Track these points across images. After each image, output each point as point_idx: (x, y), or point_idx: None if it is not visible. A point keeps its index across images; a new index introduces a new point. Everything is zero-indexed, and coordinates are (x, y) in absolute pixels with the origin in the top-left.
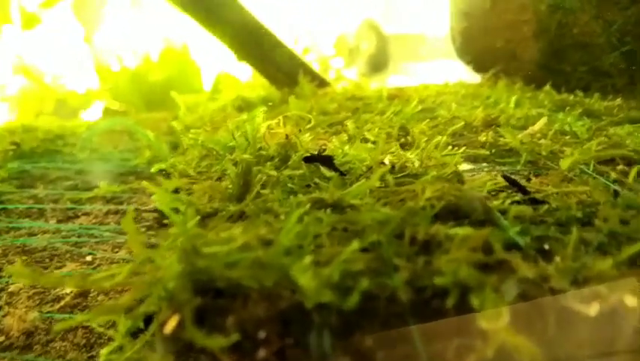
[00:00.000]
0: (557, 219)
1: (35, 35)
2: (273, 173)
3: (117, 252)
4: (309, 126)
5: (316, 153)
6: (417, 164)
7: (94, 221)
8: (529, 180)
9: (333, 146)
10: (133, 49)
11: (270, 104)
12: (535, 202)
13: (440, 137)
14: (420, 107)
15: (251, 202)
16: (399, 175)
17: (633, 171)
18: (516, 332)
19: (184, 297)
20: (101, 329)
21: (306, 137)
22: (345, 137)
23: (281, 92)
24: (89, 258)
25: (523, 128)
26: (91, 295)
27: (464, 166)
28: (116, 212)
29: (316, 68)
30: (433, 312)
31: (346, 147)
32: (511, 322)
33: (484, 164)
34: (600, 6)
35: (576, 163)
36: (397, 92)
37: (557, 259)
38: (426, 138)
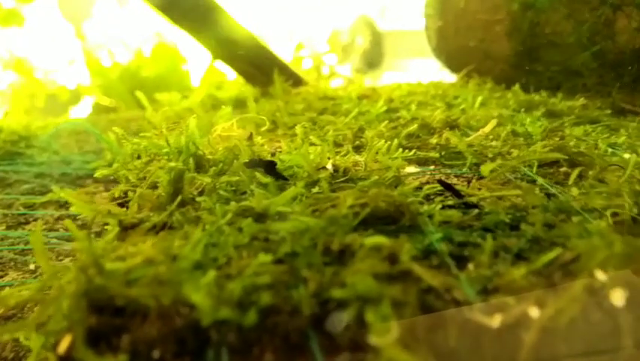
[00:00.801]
0: (484, 224)
1: (25, 31)
2: (208, 180)
3: (62, 260)
4: (264, 129)
5: (258, 158)
6: (362, 167)
7: (44, 227)
8: (469, 183)
9: (289, 149)
10: (125, 44)
11: (222, 105)
12: (468, 207)
13: (391, 140)
14: (385, 108)
15: (177, 212)
16: (339, 180)
17: (574, 174)
18: (414, 345)
19: (77, 316)
20: (29, 343)
21: (261, 139)
22: (299, 140)
23: (255, 90)
24: (32, 266)
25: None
26: (28, 305)
27: (410, 169)
28: (68, 217)
29: (310, 64)
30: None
31: (294, 151)
32: (410, 336)
33: (432, 167)
34: (571, 5)
35: (506, 166)
36: (368, 92)
37: (471, 266)
38: (377, 141)
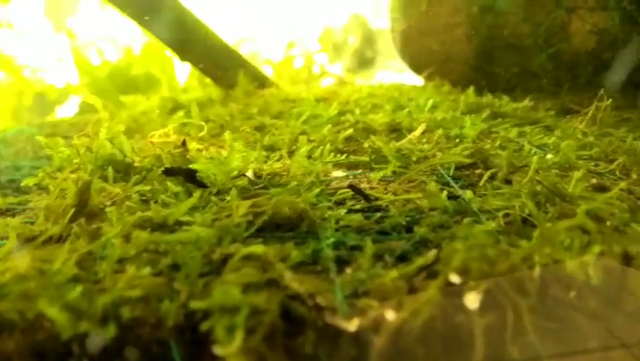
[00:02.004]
0: (383, 227)
1: (13, 29)
2: (118, 190)
3: None
4: (202, 134)
5: (175, 166)
6: (289, 173)
7: None
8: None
9: (217, 155)
10: (114, 42)
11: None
12: (376, 210)
13: (331, 144)
14: (336, 111)
15: (76, 224)
16: (258, 187)
17: (486, 175)
18: (272, 352)
19: None
20: None
21: (199, 145)
22: (240, 145)
23: (220, 92)
24: None
25: (424, 132)
26: None
27: (337, 174)
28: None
29: (301, 62)
30: (200, 337)
31: (223, 158)
32: (268, 343)
33: (359, 171)
34: (528, 8)
35: (414, 170)
36: (328, 95)
37: (349, 270)
38: (307, 146)
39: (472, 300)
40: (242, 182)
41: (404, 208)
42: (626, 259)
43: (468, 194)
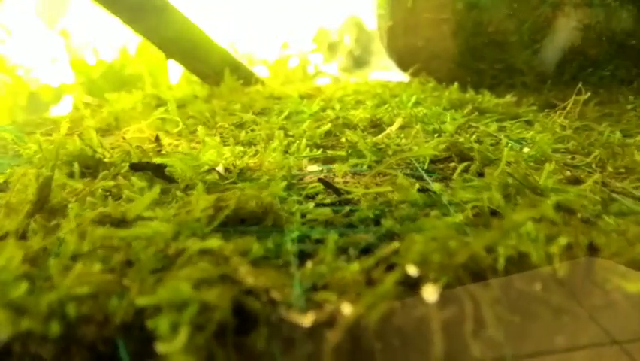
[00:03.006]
0: (351, 220)
1: (11, 33)
2: (80, 186)
3: None
4: (177, 129)
5: (143, 161)
6: (261, 167)
7: None
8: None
9: (188, 150)
10: (110, 42)
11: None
12: (347, 204)
13: (309, 139)
14: (318, 107)
15: (33, 220)
16: (228, 182)
17: (459, 168)
18: (222, 349)
19: None
20: None
21: (176, 141)
22: (214, 140)
23: (206, 89)
24: None
25: (404, 127)
26: None
27: (311, 168)
28: None
29: (296, 62)
30: (148, 335)
31: (195, 153)
32: (220, 339)
33: (334, 165)
34: (512, 5)
35: (385, 163)
36: (313, 92)
37: (310, 264)
38: (283, 141)
39: (430, 293)
40: (212, 177)
41: (374, 202)
42: (593, 251)
43: (437, 187)
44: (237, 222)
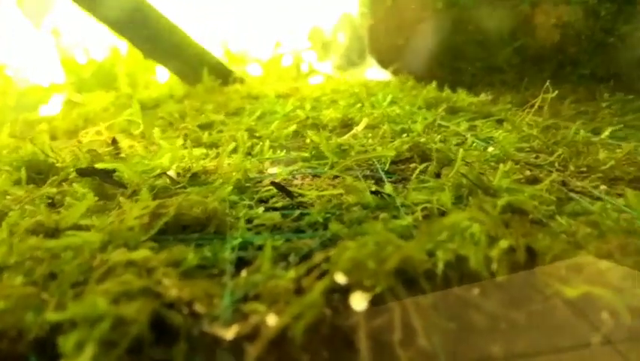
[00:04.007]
0: (299, 225)
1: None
2: (21, 193)
3: None
4: (138, 131)
5: (88, 166)
6: (217, 170)
7: None
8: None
9: (145, 152)
10: (100, 41)
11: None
12: (300, 207)
13: (274, 140)
14: (292, 107)
15: None
16: (178, 186)
17: (418, 169)
18: None
19: None
20: None
21: (137, 144)
22: (179, 143)
23: (185, 89)
24: None
25: (373, 127)
26: None
27: (272, 170)
28: None
29: (289, 60)
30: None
31: (150, 156)
32: (135, 355)
33: (297, 167)
34: (492, 3)
35: (340, 165)
36: (290, 91)
37: (244, 273)
38: (250, 143)
39: (358, 301)
40: (162, 181)
41: (328, 205)
42: (532, 255)
43: (388, 189)
44: (178, 230)
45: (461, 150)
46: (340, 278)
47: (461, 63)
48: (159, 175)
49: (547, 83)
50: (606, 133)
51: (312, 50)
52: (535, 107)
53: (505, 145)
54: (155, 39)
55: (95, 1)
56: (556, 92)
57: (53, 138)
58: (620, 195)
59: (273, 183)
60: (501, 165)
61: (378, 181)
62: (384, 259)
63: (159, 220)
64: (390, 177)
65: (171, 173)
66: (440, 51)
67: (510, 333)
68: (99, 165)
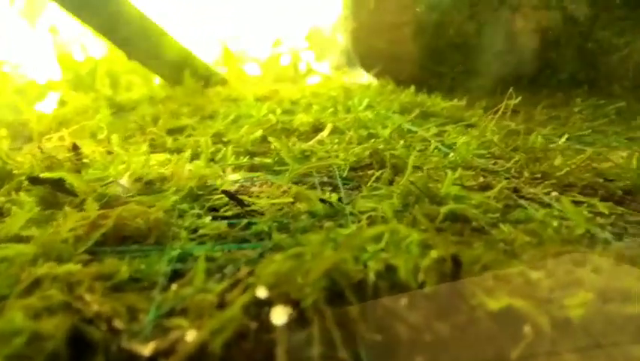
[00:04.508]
0: (244, 235)
1: None
2: None
3: None
4: (102, 136)
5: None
6: (172, 178)
7: None
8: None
9: (101, 158)
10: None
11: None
12: (252, 215)
13: (239, 146)
14: (265, 111)
15: None
16: (129, 195)
17: (375, 176)
18: None
19: None
20: None
21: (102, 149)
22: (143, 148)
23: (166, 91)
24: None
25: (342, 132)
26: None
27: (233, 177)
28: None
29: (287, 60)
30: None
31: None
32: None
33: (258, 173)
34: (473, 7)
35: (294, 172)
36: (270, 94)
37: (174, 286)
38: (214, 149)
39: (279, 315)
40: (113, 190)
41: (278, 213)
42: (457, 264)
43: (334, 197)
44: (118, 241)
45: (412, 156)
46: (261, 292)
47: (441, 67)
48: (110, 183)
49: (511, 89)
50: (563, 139)
51: (310, 49)
52: (500, 112)
53: (462, 151)
54: (136, 40)
55: (76, 2)
56: (520, 97)
57: (28, 140)
58: (571, 203)
59: (224, 192)
60: (449, 173)
61: (336, 188)
62: (309, 271)
63: (97, 232)
64: (348, 184)
65: (124, 181)
66: (421, 55)
67: (434, 346)
68: (48, 174)
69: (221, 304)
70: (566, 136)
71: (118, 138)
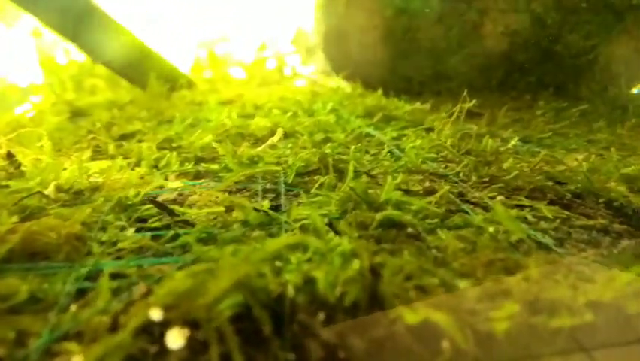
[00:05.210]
0: (166, 248)
1: None
2: None
3: None
4: (41, 144)
5: None
6: (104, 186)
7: None
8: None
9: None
10: None
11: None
12: (186, 224)
13: (172, 152)
14: (225, 116)
15: None
16: (56, 205)
17: (319, 182)
18: None
19: None
20: None
21: (43, 157)
22: (86, 155)
23: (130, 95)
24: None
25: (298, 137)
26: None
27: (174, 184)
28: None
29: (273, 64)
30: None
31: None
32: None
33: (202, 180)
34: (441, 10)
35: (229, 180)
36: (235, 98)
37: (73, 307)
38: (157, 155)
39: (174, 339)
40: (36, 201)
41: (209, 223)
42: (375, 276)
43: (265, 205)
44: (26, 258)
45: (352, 162)
46: (156, 314)
47: (410, 71)
48: (34, 194)
49: (465, 93)
50: (512, 142)
51: (296, 53)
52: (458, 115)
53: (411, 156)
54: (101, 43)
55: (37, 3)
56: (474, 101)
57: None
58: (516, 206)
59: (151, 201)
60: (389, 178)
61: (279, 195)
62: (213, 289)
63: (1, 248)
64: (292, 190)
65: (50, 190)
66: (390, 59)
67: None
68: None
69: (114, 327)
70: (516, 139)
71: (50, 145)
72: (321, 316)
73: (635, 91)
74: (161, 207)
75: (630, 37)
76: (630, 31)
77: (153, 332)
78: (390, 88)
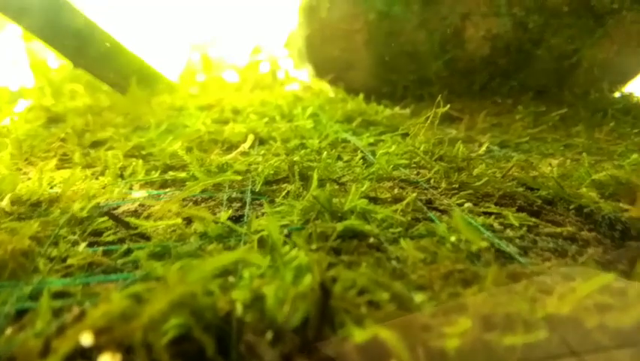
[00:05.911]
0: (117, 265)
1: None
2: None
3: None
4: (3, 153)
5: None
6: (62, 198)
7: None
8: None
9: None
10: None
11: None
12: (143, 238)
13: (142, 161)
14: (201, 121)
15: None
16: (10, 218)
17: (286, 190)
18: None
19: None
20: None
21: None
22: (51, 164)
23: (110, 100)
24: None
25: (283, 142)
26: None
27: (138, 194)
28: None
29: (266, 67)
30: None
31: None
32: None
33: (168, 190)
34: (422, 15)
35: (186, 191)
36: (215, 103)
37: (9, 330)
38: (121, 163)
39: None
40: None
41: (166, 236)
42: (325, 293)
43: (223, 216)
44: None
45: (317, 170)
46: (86, 339)
47: (393, 75)
48: None
49: (439, 98)
50: (483, 148)
51: (289, 57)
52: (436, 120)
53: (382, 162)
54: (82, 47)
55: (17, 8)
56: (449, 105)
57: None
58: (484, 214)
59: (106, 213)
60: (353, 186)
61: (245, 204)
62: (148, 311)
63: None
64: (259, 199)
65: (4, 204)
66: (373, 63)
67: None
68: None
69: (45, 352)
70: (486, 145)
71: (7, 153)
72: (269, 335)
73: (616, 94)
74: (117, 219)
75: (612, 41)
76: (611, 34)
77: (87, 357)
78: (373, 92)
